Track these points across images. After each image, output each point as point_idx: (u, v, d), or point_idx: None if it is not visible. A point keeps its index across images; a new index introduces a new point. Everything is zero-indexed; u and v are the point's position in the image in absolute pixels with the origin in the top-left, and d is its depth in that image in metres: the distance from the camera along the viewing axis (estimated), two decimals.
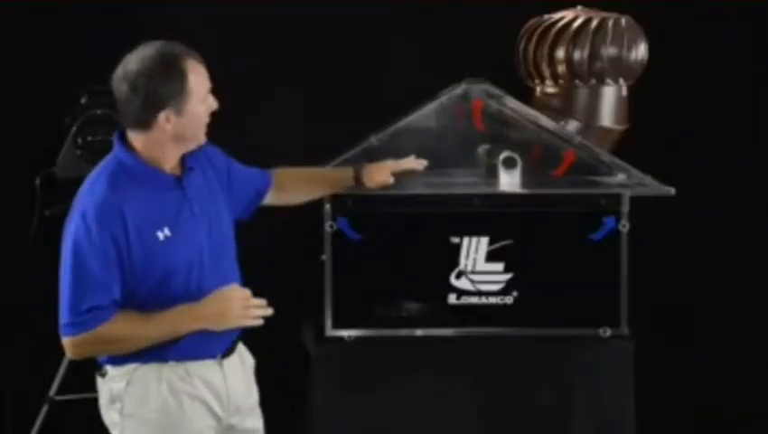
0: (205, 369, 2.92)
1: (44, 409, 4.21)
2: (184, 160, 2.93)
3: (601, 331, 3.52)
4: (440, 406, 3.51)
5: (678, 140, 4.38)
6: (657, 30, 3.84)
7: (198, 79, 2.84)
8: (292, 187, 3.38)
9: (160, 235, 2.81)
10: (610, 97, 3.80)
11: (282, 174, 3.35)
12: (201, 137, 2.91)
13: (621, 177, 3.62)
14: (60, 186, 4.10)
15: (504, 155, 3.58)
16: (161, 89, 2.78)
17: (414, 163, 3.48)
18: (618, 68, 3.74)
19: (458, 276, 3.51)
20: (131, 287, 2.80)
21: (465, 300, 3.52)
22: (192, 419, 2.88)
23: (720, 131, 4.45)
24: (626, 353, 3.52)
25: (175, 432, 2.87)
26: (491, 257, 3.51)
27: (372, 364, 3.51)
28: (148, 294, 2.81)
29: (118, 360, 2.86)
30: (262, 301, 2.91)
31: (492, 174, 3.61)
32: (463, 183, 3.65)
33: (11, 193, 4.32)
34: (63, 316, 2.81)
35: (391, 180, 3.44)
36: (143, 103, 2.79)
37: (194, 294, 2.85)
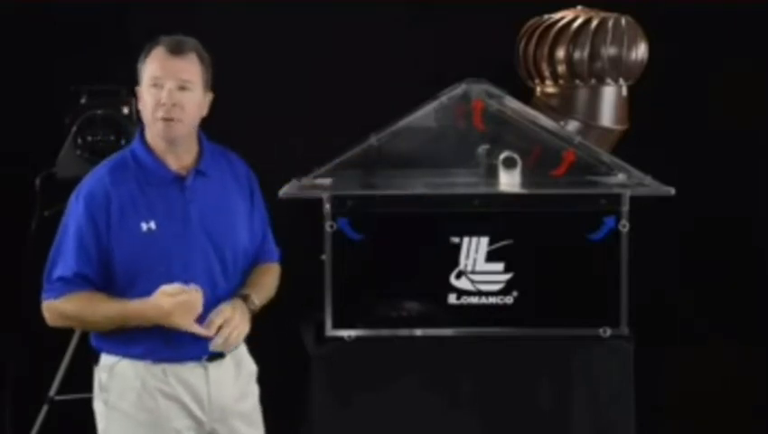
0: (185, 371, 2.92)
1: (44, 409, 4.21)
2: (197, 165, 2.93)
3: (601, 331, 3.52)
4: (440, 406, 3.51)
5: (678, 140, 4.38)
6: (657, 30, 3.84)
7: (151, 63, 2.88)
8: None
9: (143, 226, 2.85)
10: (610, 97, 3.80)
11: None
12: (156, 127, 2.87)
13: (621, 177, 3.62)
14: (60, 186, 4.10)
15: (504, 155, 3.58)
16: (137, 65, 2.93)
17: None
18: (618, 68, 3.74)
19: (458, 276, 3.51)
20: (109, 275, 2.86)
21: (465, 300, 3.52)
22: (167, 416, 2.89)
23: (720, 131, 4.45)
24: (626, 353, 3.52)
25: (153, 428, 2.89)
26: (491, 257, 3.51)
27: (372, 364, 3.51)
28: (126, 285, 2.85)
29: (106, 349, 2.92)
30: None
31: (492, 174, 3.61)
32: (463, 183, 3.65)
33: (11, 193, 4.32)
34: (43, 281, 2.92)
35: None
36: None
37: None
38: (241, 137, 3.72)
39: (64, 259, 2.86)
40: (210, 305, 2.88)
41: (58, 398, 4.18)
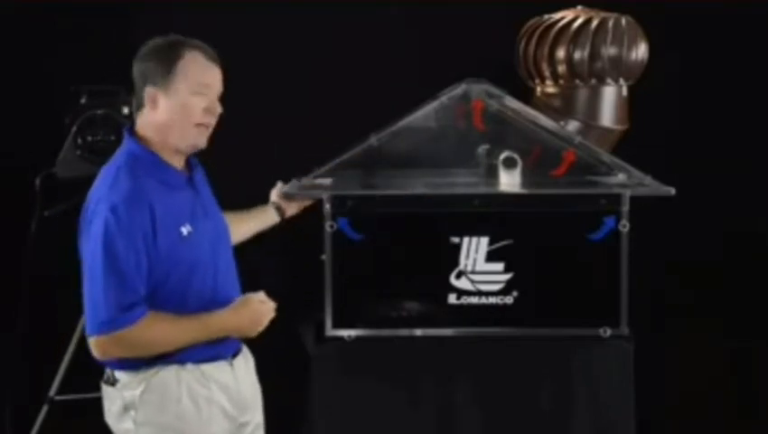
0: (219, 371, 2.91)
1: (44, 409, 4.21)
2: (189, 161, 2.94)
3: (601, 331, 3.52)
4: (440, 406, 3.51)
5: (678, 140, 4.38)
6: (657, 30, 3.84)
7: (192, 66, 2.80)
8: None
9: (183, 231, 2.80)
10: (610, 97, 3.80)
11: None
12: (194, 138, 2.84)
13: (621, 177, 3.62)
14: (60, 186, 4.11)
15: (504, 155, 3.58)
16: (150, 62, 2.80)
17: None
18: (618, 68, 3.74)
19: (458, 276, 3.51)
20: (153, 284, 2.76)
21: (465, 300, 3.52)
22: (209, 423, 2.87)
23: (720, 131, 4.45)
24: (626, 353, 3.51)
25: None
26: (491, 257, 3.51)
27: (372, 364, 3.51)
28: (169, 292, 2.78)
29: (133, 366, 2.81)
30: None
31: (492, 174, 3.61)
32: (463, 183, 3.64)
33: (11, 193, 4.32)
34: (96, 315, 2.70)
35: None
36: (136, 76, 2.82)
37: (213, 293, 2.86)
38: (241, 137, 3.74)
39: (128, 284, 2.68)
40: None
41: (58, 398, 4.19)
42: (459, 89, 3.63)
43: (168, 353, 2.79)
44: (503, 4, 4.24)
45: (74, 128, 4.05)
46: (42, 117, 4.25)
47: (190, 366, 2.84)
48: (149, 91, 2.80)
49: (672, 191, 3.55)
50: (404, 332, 3.53)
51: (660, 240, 4.27)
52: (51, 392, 4.20)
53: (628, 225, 3.50)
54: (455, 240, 3.50)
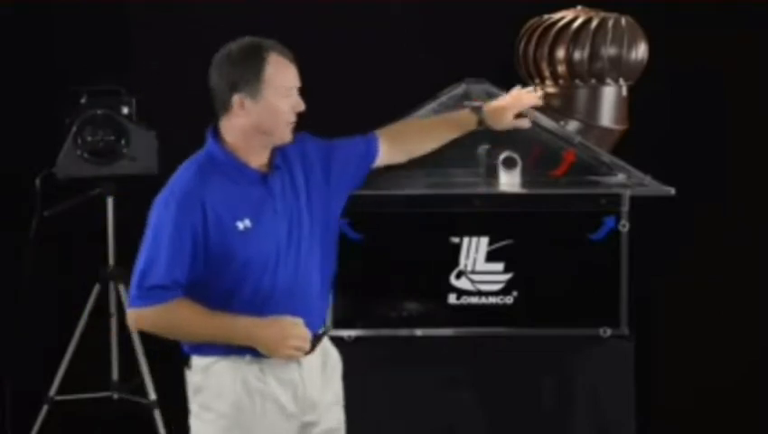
0: (282, 367, 2.93)
1: (44, 409, 4.21)
2: (273, 160, 2.98)
3: (601, 331, 3.52)
4: (440, 406, 3.51)
5: (678, 140, 4.38)
6: (657, 30, 3.84)
7: (278, 71, 2.90)
8: (402, 146, 3.36)
9: (240, 225, 2.86)
10: (610, 97, 3.80)
11: (389, 133, 3.34)
12: (283, 134, 2.94)
13: (621, 177, 3.61)
14: (60, 186, 4.11)
15: (504, 155, 3.58)
16: (236, 71, 2.88)
17: (528, 96, 3.54)
18: (618, 68, 3.74)
19: (458, 276, 3.51)
20: (204, 279, 2.85)
21: (465, 300, 3.52)
22: (264, 417, 2.91)
23: (720, 131, 4.45)
24: (626, 353, 3.51)
25: (249, 428, 2.90)
26: (491, 257, 3.50)
27: (372, 364, 3.51)
28: (222, 289, 2.86)
29: (201, 351, 2.91)
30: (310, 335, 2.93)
31: (492, 174, 3.61)
32: (463, 183, 3.64)
33: (11, 193, 4.32)
34: (132, 288, 2.87)
35: (516, 122, 3.50)
36: (221, 84, 2.90)
37: (263, 294, 2.88)
38: None
39: (159, 266, 2.81)
40: (318, 289, 2.98)
41: (58, 398, 4.19)
42: (459, 89, 3.63)
43: (225, 345, 2.87)
44: (503, 4, 4.24)
45: (74, 128, 4.05)
46: (42, 117, 4.25)
47: (248, 358, 2.90)
48: (237, 98, 2.89)
49: (672, 191, 3.55)
50: (404, 332, 3.53)
51: (660, 240, 4.27)
52: (51, 392, 4.20)
53: (628, 225, 3.50)
54: (455, 240, 3.50)
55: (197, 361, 2.93)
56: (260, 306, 2.88)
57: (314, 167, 3.08)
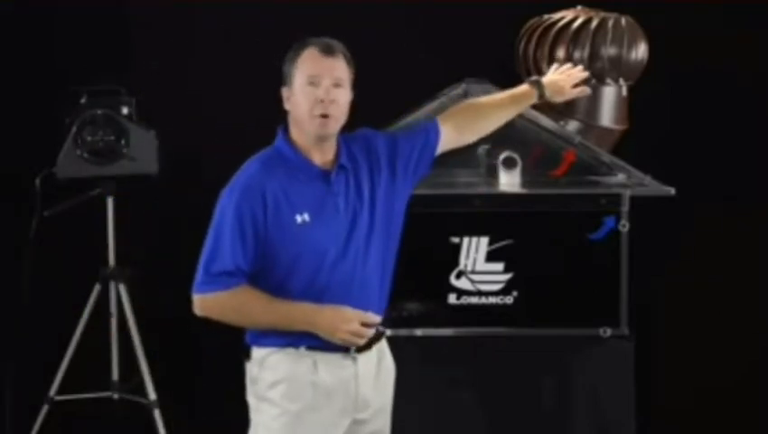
0: (336, 361, 2.95)
1: (44, 409, 4.21)
2: (338, 158, 2.99)
3: (601, 331, 3.52)
4: (440, 406, 3.51)
5: (678, 140, 4.38)
6: (657, 30, 3.84)
7: (305, 61, 2.94)
8: (466, 127, 3.30)
9: (298, 218, 2.90)
10: (610, 97, 3.80)
11: (451, 116, 3.27)
12: (310, 125, 2.93)
13: (621, 177, 3.62)
14: (60, 186, 4.11)
15: (504, 155, 3.58)
16: (284, 65, 2.98)
17: (576, 72, 3.52)
18: (618, 68, 3.74)
19: (458, 276, 3.51)
20: (263, 267, 2.90)
21: (465, 300, 3.52)
22: (315, 408, 2.93)
23: (720, 131, 4.45)
24: (626, 353, 3.52)
25: (301, 419, 2.93)
26: (491, 257, 3.51)
27: None
28: (273, 281, 2.90)
29: (259, 342, 2.96)
30: (375, 319, 2.96)
31: (492, 174, 3.61)
32: (463, 183, 3.64)
33: (11, 193, 4.32)
34: (198, 275, 2.92)
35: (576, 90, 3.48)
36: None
37: (318, 287, 2.91)
38: (242, 137, 3.73)
39: (223, 253, 2.88)
40: (377, 287, 3.00)
41: (58, 398, 4.19)
42: (459, 89, 3.63)
43: (285, 334, 2.91)
44: (503, 4, 4.24)
45: (74, 128, 4.05)
46: (42, 117, 4.25)
47: (303, 351, 2.93)
48: (283, 91, 2.97)
49: (672, 191, 3.55)
50: (404, 332, 3.53)
51: (660, 240, 4.27)
52: (51, 392, 4.20)
53: (628, 225, 3.50)
54: (455, 240, 3.50)
55: (256, 352, 2.97)
56: (314, 301, 2.91)
57: (380, 164, 3.08)
